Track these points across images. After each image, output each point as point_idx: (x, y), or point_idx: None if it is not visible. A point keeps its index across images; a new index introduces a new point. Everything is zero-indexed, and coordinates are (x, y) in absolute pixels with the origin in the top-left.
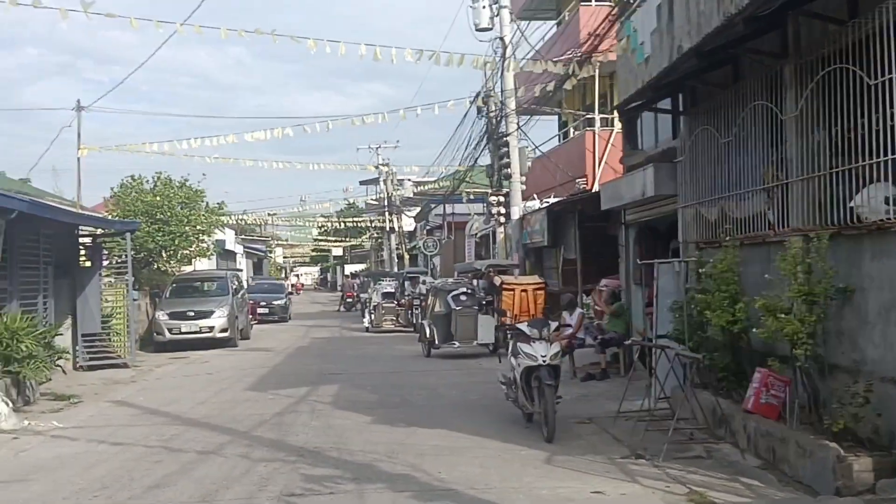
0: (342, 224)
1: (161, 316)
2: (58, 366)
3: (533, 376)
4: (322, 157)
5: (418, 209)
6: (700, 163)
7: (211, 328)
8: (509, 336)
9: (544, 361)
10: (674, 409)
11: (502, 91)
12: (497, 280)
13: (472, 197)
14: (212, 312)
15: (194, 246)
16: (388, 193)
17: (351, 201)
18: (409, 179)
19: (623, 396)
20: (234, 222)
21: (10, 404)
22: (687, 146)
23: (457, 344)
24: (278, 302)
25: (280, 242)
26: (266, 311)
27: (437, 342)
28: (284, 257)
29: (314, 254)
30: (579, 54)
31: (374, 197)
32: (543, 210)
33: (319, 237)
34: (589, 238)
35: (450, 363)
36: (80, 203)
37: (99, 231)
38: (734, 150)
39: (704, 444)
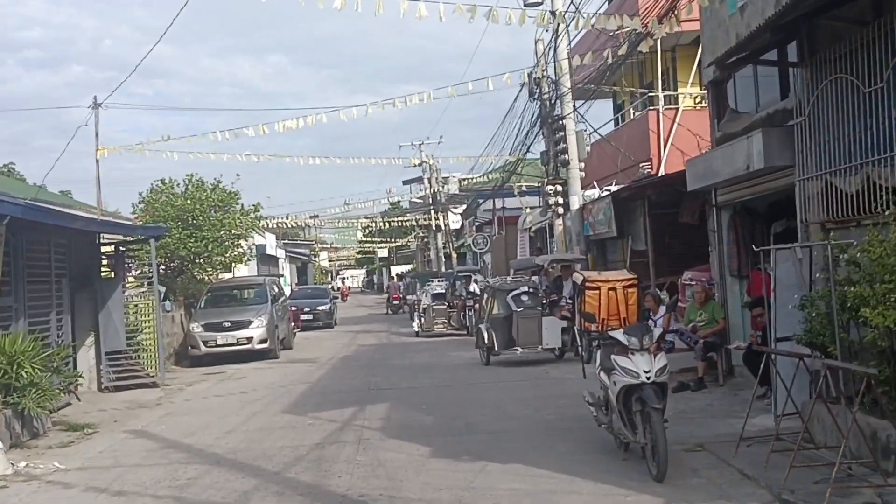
0: (387, 224)
1: (195, 328)
2: (69, 391)
3: (634, 398)
4: (366, 160)
5: (464, 206)
6: (830, 122)
7: (249, 339)
8: (596, 345)
9: (648, 379)
10: (814, 433)
11: (556, 70)
12: (577, 277)
13: (524, 189)
14: (249, 322)
15: (230, 252)
16: (432, 190)
17: (395, 201)
18: (454, 176)
19: (747, 414)
20: (275, 226)
21: (1, 444)
22: (810, 103)
23: (519, 350)
24: (322, 308)
25: (324, 246)
26: (310, 317)
27: (496, 348)
28: (330, 261)
29: (359, 256)
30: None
31: (418, 195)
32: (608, 197)
33: (364, 239)
34: (659, 227)
35: (513, 372)
36: (101, 209)
37: (121, 238)
38: (886, 101)
39: (873, 485)
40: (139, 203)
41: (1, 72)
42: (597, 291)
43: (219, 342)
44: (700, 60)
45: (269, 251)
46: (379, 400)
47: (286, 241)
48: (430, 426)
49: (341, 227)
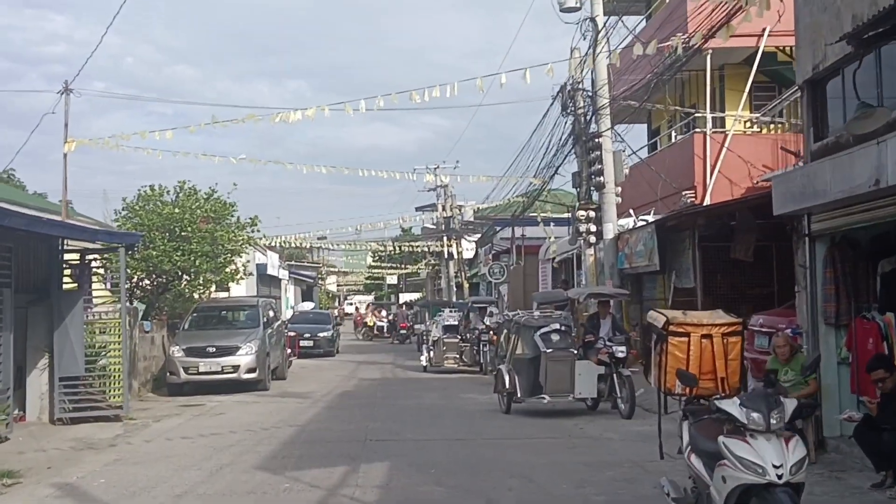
0: (397, 249)
1: (175, 352)
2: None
3: (754, 502)
4: (378, 187)
5: (479, 235)
6: None
7: (235, 368)
8: (684, 415)
9: (780, 477)
10: None
11: (593, 82)
12: (656, 317)
13: (549, 216)
14: (237, 349)
15: (221, 268)
16: (446, 215)
17: (408, 227)
18: (470, 204)
19: None
20: (279, 245)
21: None
22: None
23: (546, 398)
24: (324, 334)
25: (332, 269)
26: (310, 343)
27: (519, 394)
28: (338, 285)
29: (368, 282)
30: (686, 41)
31: (431, 222)
32: (650, 226)
33: (373, 264)
34: (708, 263)
35: (540, 426)
36: (66, 209)
37: (86, 246)
38: None
39: None
40: (122, 210)
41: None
42: (685, 339)
43: (201, 369)
44: (794, 57)
45: (271, 271)
46: (377, 456)
47: (291, 263)
48: (440, 502)
49: (351, 251)
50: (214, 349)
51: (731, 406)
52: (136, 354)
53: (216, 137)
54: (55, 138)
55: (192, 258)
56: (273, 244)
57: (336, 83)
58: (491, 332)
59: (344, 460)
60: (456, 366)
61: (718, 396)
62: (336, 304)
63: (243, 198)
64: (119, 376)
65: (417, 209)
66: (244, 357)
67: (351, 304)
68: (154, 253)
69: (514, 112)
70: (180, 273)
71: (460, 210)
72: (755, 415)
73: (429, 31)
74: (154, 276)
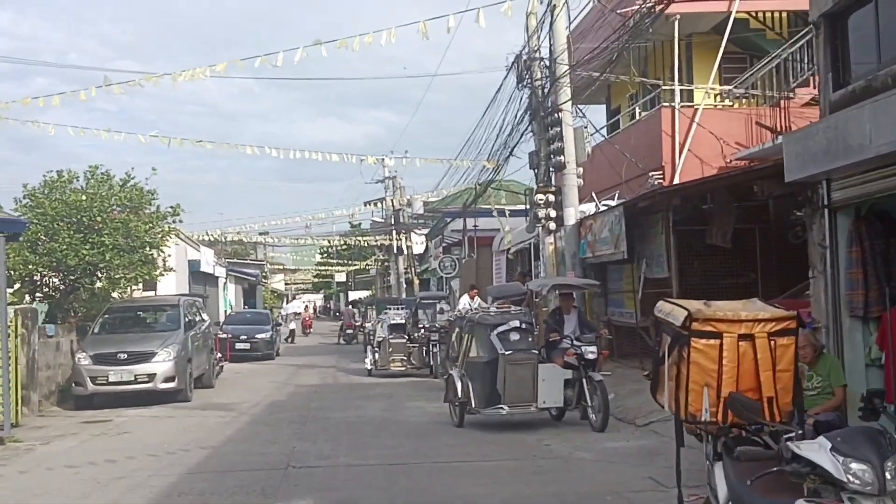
0: (345, 244)
1: (81, 359)
2: None
3: None
4: (327, 185)
5: (428, 230)
6: None
7: (151, 377)
8: (716, 453)
9: None
10: None
11: (551, 50)
12: (671, 310)
13: (503, 207)
14: (152, 355)
15: (137, 264)
16: (394, 208)
17: (357, 223)
18: (419, 196)
19: None
20: (215, 239)
21: None
22: None
23: (505, 409)
24: (262, 336)
25: (278, 267)
26: (247, 346)
27: (473, 405)
28: (286, 284)
29: (316, 280)
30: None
31: (380, 216)
32: (618, 209)
33: (321, 261)
34: (683, 250)
35: (499, 443)
36: None
37: None
38: None
39: None
40: (23, 197)
41: None
42: (716, 342)
43: (111, 379)
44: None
45: (205, 268)
46: (297, 492)
47: (232, 260)
48: None
49: (297, 246)
50: (126, 356)
51: (818, 453)
52: (35, 362)
53: (167, 135)
54: None
55: (103, 252)
56: (210, 239)
57: (290, 79)
58: (442, 331)
59: (254, 498)
60: (403, 369)
61: (765, 426)
62: (283, 303)
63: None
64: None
65: (366, 203)
66: (161, 364)
67: (306, 304)
68: (57, 246)
69: (466, 107)
70: (90, 269)
71: (409, 203)
72: (861, 468)
73: (385, 24)
74: (62, 272)
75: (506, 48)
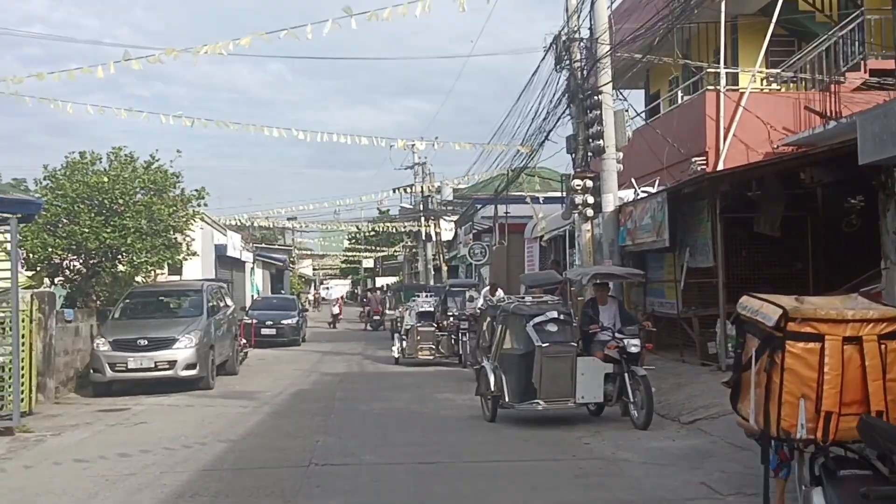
0: (373, 230)
1: (100, 345)
2: None
3: None
4: (357, 171)
5: (458, 216)
6: None
7: (172, 363)
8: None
9: None
10: None
11: (591, 30)
12: (762, 307)
13: (536, 195)
14: (173, 341)
15: (159, 248)
16: (423, 194)
17: (385, 209)
18: (448, 180)
19: None
20: (241, 224)
21: None
22: None
23: (541, 404)
24: (288, 321)
25: (306, 253)
26: (272, 332)
27: (507, 399)
28: (314, 269)
29: (344, 266)
30: None
31: (409, 202)
32: (661, 195)
33: (350, 247)
34: (730, 238)
35: (534, 441)
36: None
37: None
38: None
39: None
40: (43, 179)
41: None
42: (816, 345)
43: (130, 366)
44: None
45: (232, 252)
46: (318, 494)
47: (259, 245)
48: None
49: (325, 232)
50: (146, 342)
51: None
52: (52, 348)
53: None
54: (33, 122)
55: (124, 235)
56: (238, 224)
57: (319, 67)
58: (472, 320)
59: (271, 501)
60: (431, 357)
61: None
62: (311, 288)
63: (219, 180)
64: (12, 376)
65: (394, 190)
66: (182, 351)
67: (327, 288)
68: (78, 229)
69: (497, 96)
70: (111, 253)
71: (439, 189)
72: None
73: (413, 14)
74: (84, 256)
75: (538, 39)
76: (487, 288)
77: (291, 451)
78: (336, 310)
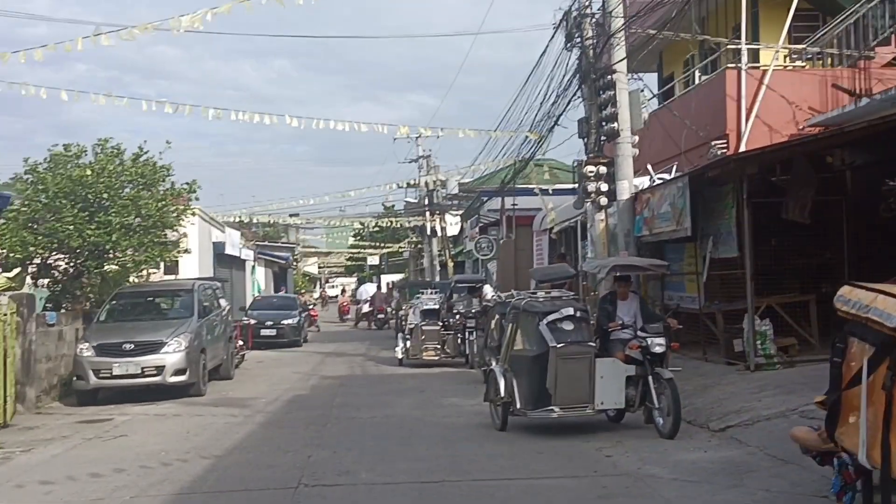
0: (378, 226)
1: (84, 350)
2: None
3: None
4: (362, 167)
5: (462, 211)
6: None
7: (160, 369)
8: None
9: None
10: None
11: (604, 5)
12: (877, 302)
13: (545, 188)
14: (161, 345)
15: (147, 245)
16: (428, 188)
17: (390, 205)
18: (452, 171)
19: None
20: (241, 221)
21: None
22: None
23: (556, 411)
24: (288, 321)
25: (311, 250)
26: (272, 332)
27: (519, 405)
28: (319, 267)
29: (349, 263)
30: None
31: (413, 197)
32: (681, 180)
33: (355, 243)
34: (756, 226)
35: (550, 453)
36: None
37: None
38: None
39: None
40: (24, 173)
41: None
42: None
43: (115, 372)
44: None
45: (231, 251)
46: None
47: (261, 243)
48: None
49: (329, 228)
50: (133, 346)
51: None
52: (32, 355)
53: (201, 121)
54: (39, 122)
55: (109, 232)
56: (238, 221)
57: (321, 62)
58: (477, 317)
59: None
60: (437, 358)
61: None
62: (316, 287)
63: (221, 178)
64: None
65: (399, 186)
66: (171, 355)
67: (333, 286)
68: (60, 226)
69: (504, 91)
70: (97, 251)
71: (444, 183)
72: None
73: (417, 8)
74: (69, 255)
75: (541, 32)
76: (487, 286)
77: (280, 469)
78: (366, 308)
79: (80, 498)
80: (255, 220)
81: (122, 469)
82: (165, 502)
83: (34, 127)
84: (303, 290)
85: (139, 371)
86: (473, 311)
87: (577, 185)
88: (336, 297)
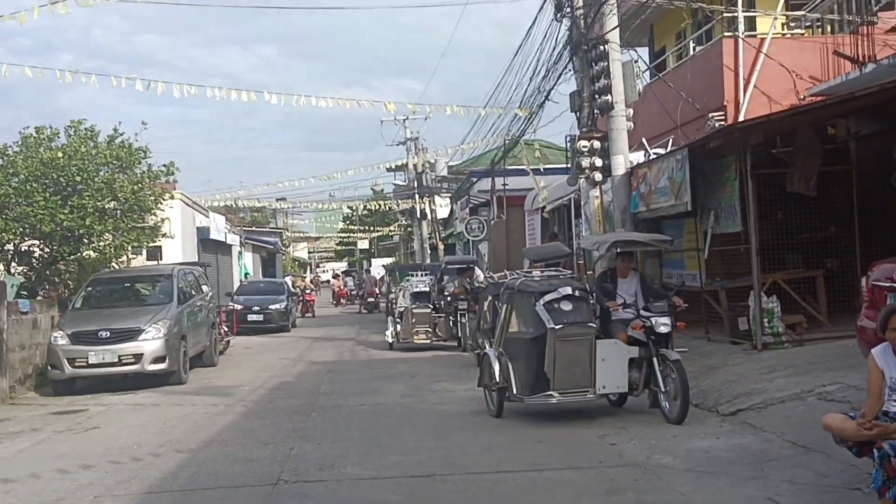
0: (366, 209)
1: (58, 339)
2: None
3: None
4: (351, 153)
5: (452, 193)
6: None
7: (138, 357)
8: None
9: None
10: None
11: None
12: None
13: (538, 167)
14: (139, 332)
15: (123, 230)
16: (416, 171)
17: (379, 189)
18: (441, 152)
19: None
20: (226, 206)
21: None
22: None
23: (555, 396)
24: (276, 306)
25: (301, 235)
26: (260, 318)
27: (515, 390)
28: (309, 252)
29: (339, 248)
30: None
31: (402, 180)
32: (680, 152)
33: (345, 228)
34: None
35: (550, 442)
36: None
37: None
38: None
39: None
40: None
41: None
42: None
43: (91, 361)
44: None
45: (216, 235)
46: None
47: (248, 228)
48: None
49: (321, 211)
50: (109, 334)
51: None
52: (4, 343)
53: (189, 108)
54: (27, 112)
55: (83, 217)
56: (224, 205)
57: (308, 48)
58: (469, 299)
59: None
60: (428, 341)
61: None
62: (307, 272)
63: (209, 166)
64: None
65: (389, 170)
66: (149, 343)
67: (325, 271)
68: (31, 210)
69: (489, 74)
70: (72, 236)
71: (432, 165)
72: None
73: None
74: (42, 240)
75: (527, 11)
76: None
77: (259, 464)
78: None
79: (40, 498)
80: (241, 205)
81: (90, 465)
82: (135, 500)
83: (23, 117)
84: (300, 275)
85: (116, 359)
86: (466, 285)
87: (569, 163)
88: (328, 281)
